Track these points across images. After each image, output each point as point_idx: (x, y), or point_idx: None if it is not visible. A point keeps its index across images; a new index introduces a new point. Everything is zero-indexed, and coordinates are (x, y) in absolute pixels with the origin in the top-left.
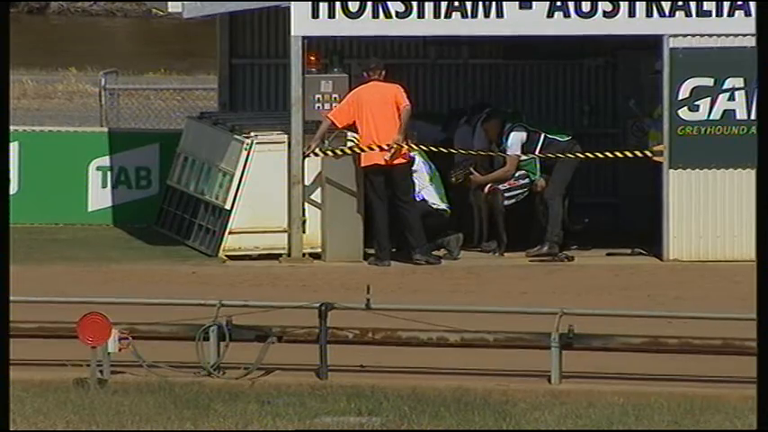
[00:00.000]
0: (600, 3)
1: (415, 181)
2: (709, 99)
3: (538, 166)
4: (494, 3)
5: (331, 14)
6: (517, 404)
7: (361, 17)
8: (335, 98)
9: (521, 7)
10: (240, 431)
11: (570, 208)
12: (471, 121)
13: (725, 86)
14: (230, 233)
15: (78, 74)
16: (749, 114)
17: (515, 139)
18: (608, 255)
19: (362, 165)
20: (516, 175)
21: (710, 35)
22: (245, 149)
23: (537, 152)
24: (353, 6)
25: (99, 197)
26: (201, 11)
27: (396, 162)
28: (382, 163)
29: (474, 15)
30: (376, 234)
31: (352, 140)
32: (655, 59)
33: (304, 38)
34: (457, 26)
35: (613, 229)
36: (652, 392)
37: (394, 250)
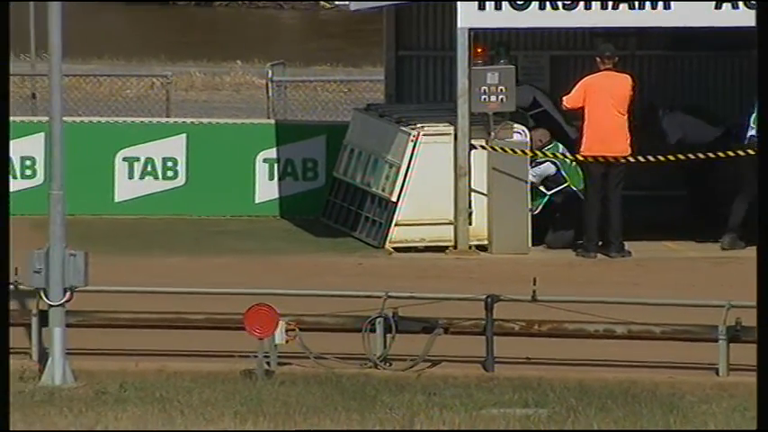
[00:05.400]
0: None
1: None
2: None
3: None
4: None
5: (497, 6)
6: (684, 396)
7: (528, 9)
8: (502, 90)
9: None
10: (407, 425)
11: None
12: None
13: None
14: (396, 225)
15: (245, 66)
16: None
17: None
18: None
19: (583, 154)
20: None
21: None
22: (412, 141)
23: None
24: None
25: (266, 189)
26: (368, 3)
27: (617, 155)
28: (605, 154)
29: (641, 6)
30: (586, 225)
31: (519, 132)
32: None
33: (470, 30)
34: (624, 17)
35: None
36: None
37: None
